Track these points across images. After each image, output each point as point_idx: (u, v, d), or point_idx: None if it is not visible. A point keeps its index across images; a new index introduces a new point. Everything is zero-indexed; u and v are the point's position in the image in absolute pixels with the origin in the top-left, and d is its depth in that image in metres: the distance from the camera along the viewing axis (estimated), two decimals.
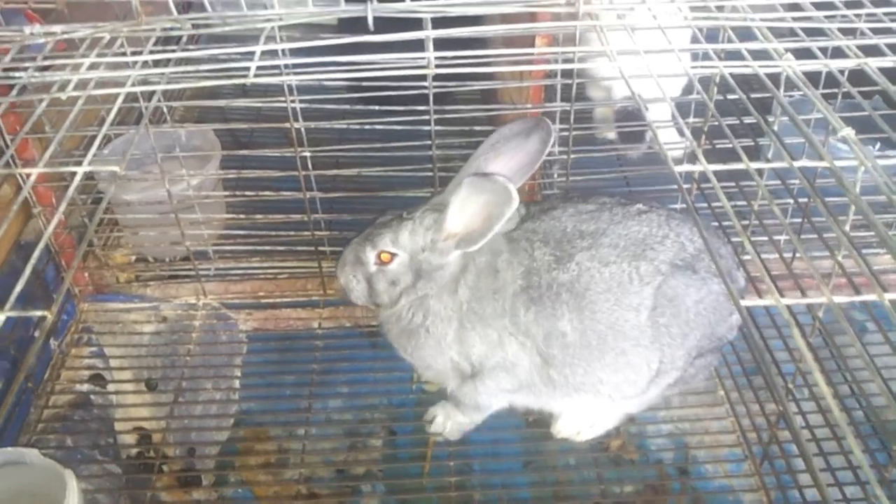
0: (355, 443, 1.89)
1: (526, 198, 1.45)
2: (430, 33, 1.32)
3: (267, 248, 2.23)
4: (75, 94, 1.24)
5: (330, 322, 2.20)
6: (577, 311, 1.53)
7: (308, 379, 2.01)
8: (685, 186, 2.02)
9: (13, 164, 1.81)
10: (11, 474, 1.40)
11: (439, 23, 1.36)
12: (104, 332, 2.12)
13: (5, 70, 1.31)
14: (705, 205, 2.01)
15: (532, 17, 1.60)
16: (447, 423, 1.85)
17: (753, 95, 1.28)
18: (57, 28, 1.39)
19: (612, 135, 2.64)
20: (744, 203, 1.84)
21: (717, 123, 1.31)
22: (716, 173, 1.05)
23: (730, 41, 1.36)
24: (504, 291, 1.56)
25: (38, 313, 0.95)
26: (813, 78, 1.24)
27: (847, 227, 1.14)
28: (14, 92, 1.31)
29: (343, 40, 1.33)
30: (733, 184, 1.88)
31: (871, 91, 1.32)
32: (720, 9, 1.43)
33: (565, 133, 1.97)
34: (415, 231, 1.56)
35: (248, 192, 2.19)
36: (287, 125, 1.93)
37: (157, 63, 1.34)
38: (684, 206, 2.03)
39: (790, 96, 1.97)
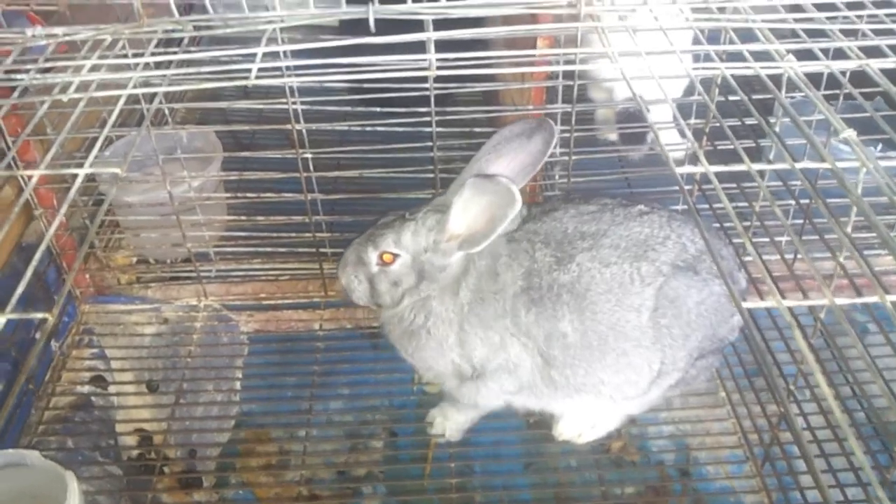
0: (356, 444, 1.89)
1: (527, 199, 1.45)
2: (431, 35, 1.32)
3: (268, 249, 2.23)
4: (77, 96, 1.24)
5: (331, 323, 2.20)
6: (577, 312, 1.53)
7: (309, 380, 2.01)
8: (686, 188, 2.03)
9: (15, 165, 1.81)
10: (12, 476, 1.40)
11: (441, 24, 1.36)
12: (105, 334, 2.12)
13: (7, 72, 1.31)
14: (706, 206, 2.01)
15: (533, 19, 1.60)
16: (446, 423, 1.85)
17: (755, 97, 1.28)
18: (58, 30, 1.39)
19: (613, 136, 2.64)
20: (745, 204, 1.84)
21: (718, 125, 1.31)
22: (717, 174, 1.05)
23: (731, 42, 1.36)
24: (504, 293, 1.56)
25: (39, 315, 0.95)
26: (814, 79, 1.23)
27: (849, 229, 1.14)
28: (16, 94, 1.32)
29: (344, 42, 1.33)
30: (734, 185, 1.88)
31: (873, 92, 1.32)
32: (722, 10, 1.43)
33: (567, 134, 1.97)
34: (417, 232, 1.56)
35: (249, 194, 2.19)
36: (288, 127, 1.93)
37: (158, 65, 1.34)
38: (686, 207, 2.03)
39: (792, 97, 1.97)
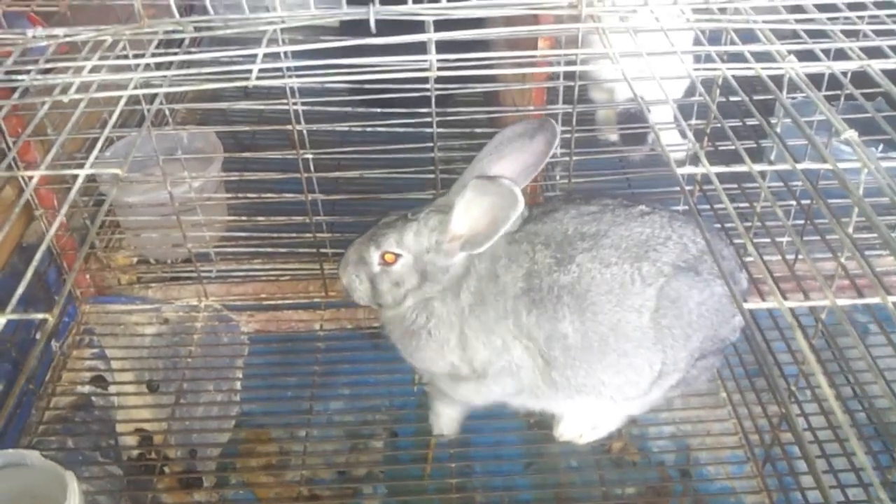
0: (357, 444, 1.89)
1: (528, 200, 1.45)
2: (432, 36, 1.32)
3: (269, 249, 2.23)
4: (77, 96, 1.24)
5: (331, 324, 2.20)
6: (578, 313, 1.53)
7: (309, 380, 2.01)
8: (687, 188, 2.03)
9: (15, 166, 1.81)
10: (12, 476, 1.40)
11: (441, 25, 1.36)
12: (106, 334, 2.12)
13: (8, 73, 1.31)
14: (707, 206, 2.01)
15: (534, 20, 1.60)
16: (439, 420, 1.85)
17: (756, 97, 1.28)
18: (59, 31, 1.39)
19: (614, 137, 2.65)
20: (746, 205, 1.84)
21: (719, 125, 1.31)
22: (718, 175, 1.05)
23: (732, 43, 1.36)
24: (505, 295, 1.56)
25: (40, 316, 0.95)
26: (815, 80, 1.23)
27: (850, 229, 1.14)
28: (16, 95, 1.32)
29: (345, 43, 1.33)
30: (735, 185, 1.88)
31: (874, 93, 1.32)
32: (723, 11, 1.43)
33: (567, 135, 1.97)
34: (419, 232, 1.55)
35: (249, 194, 2.19)
36: (289, 127, 1.93)
37: (159, 66, 1.34)
38: (687, 207, 2.03)
39: (793, 98, 1.97)
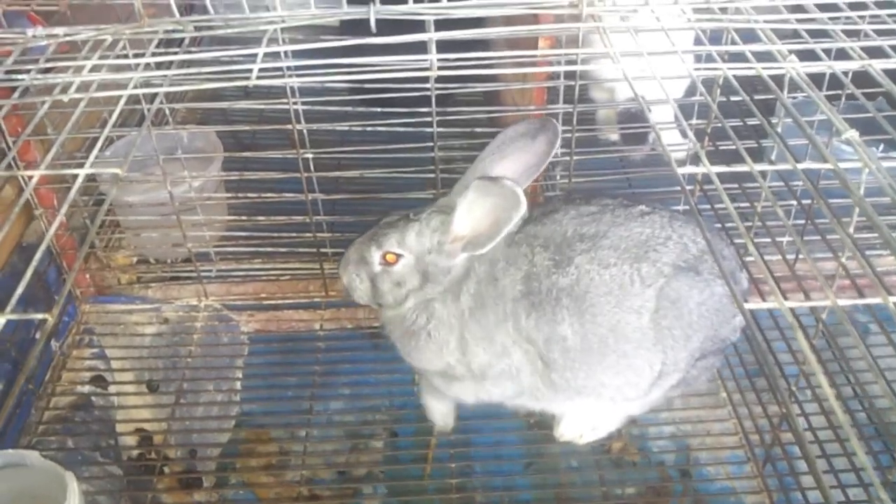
0: (357, 444, 1.89)
1: (528, 199, 1.45)
2: (432, 35, 1.32)
3: (269, 249, 2.23)
4: (77, 96, 1.24)
5: (332, 323, 2.20)
6: (577, 315, 1.52)
7: (310, 380, 2.01)
8: (688, 188, 2.03)
9: (15, 166, 1.81)
10: (12, 476, 1.40)
11: (442, 25, 1.36)
12: (105, 334, 2.12)
13: (8, 72, 1.31)
14: (708, 206, 2.01)
15: (535, 19, 1.60)
16: (433, 415, 1.85)
17: (757, 97, 1.28)
18: (59, 30, 1.39)
19: (614, 136, 2.64)
20: (747, 205, 1.84)
21: (720, 125, 1.31)
22: (719, 175, 1.05)
23: (733, 43, 1.36)
24: (504, 298, 1.56)
25: (39, 316, 0.94)
26: (816, 79, 1.23)
27: (851, 229, 1.14)
28: (16, 94, 1.32)
29: (345, 42, 1.33)
30: (736, 185, 1.88)
31: (875, 92, 1.32)
32: (723, 10, 1.42)
33: (568, 135, 1.96)
34: (421, 233, 1.55)
35: (249, 194, 2.19)
36: (289, 127, 1.93)
37: (159, 65, 1.34)
38: (687, 207, 2.02)
39: (793, 98, 1.97)
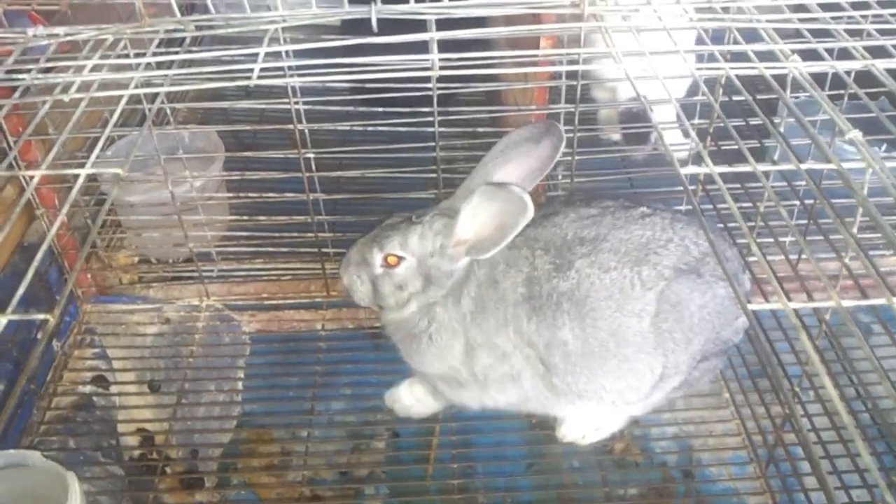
0: (358, 444, 1.88)
1: (532, 199, 1.44)
2: (434, 35, 1.32)
3: (270, 249, 2.23)
4: (78, 95, 1.23)
5: (333, 324, 2.19)
6: (578, 320, 1.51)
7: (311, 380, 2.01)
8: (690, 188, 2.02)
9: (16, 166, 1.81)
10: (13, 477, 1.40)
11: (443, 24, 1.36)
12: (107, 334, 2.12)
13: (8, 72, 1.31)
14: (710, 206, 2.00)
15: (536, 19, 1.60)
16: (414, 406, 1.85)
17: (759, 97, 1.27)
18: (60, 30, 1.39)
19: (616, 136, 2.64)
20: (749, 205, 1.83)
21: (722, 125, 1.31)
22: (721, 175, 1.04)
23: (735, 42, 1.36)
24: (505, 302, 1.55)
25: (40, 317, 0.94)
26: (819, 79, 1.23)
27: (854, 229, 1.13)
28: (17, 94, 1.32)
29: (347, 42, 1.32)
30: (738, 185, 1.87)
31: (878, 92, 1.31)
32: (726, 10, 1.42)
33: (570, 134, 1.96)
34: (424, 236, 1.55)
35: (251, 194, 2.18)
36: (290, 127, 1.93)
37: (160, 65, 1.34)
38: (689, 207, 2.02)
39: (796, 97, 1.96)
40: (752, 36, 1.34)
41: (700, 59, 1.74)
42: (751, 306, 0.88)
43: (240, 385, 2.05)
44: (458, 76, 1.35)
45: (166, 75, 1.28)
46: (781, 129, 1.58)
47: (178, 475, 1.80)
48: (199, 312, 2.20)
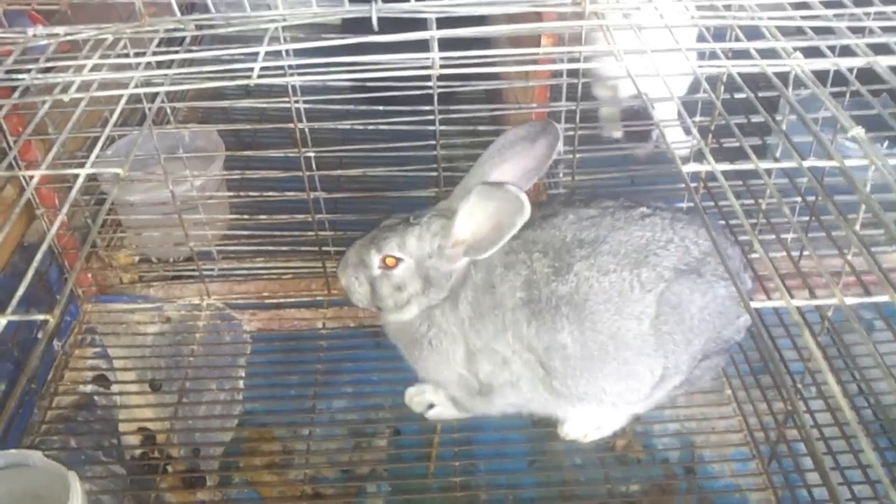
0: (360, 443, 1.89)
1: (530, 198, 1.44)
2: (434, 33, 1.31)
3: (271, 248, 2.23)
4: (78, 95, 1.23)
5: (334, 322, 2.19)
6: (577, 323, 1.51)
7: (312, 379, 2.01)
8: (692, 185, 2.02)
9: (16, 165, 1.81)
10: (15, 477, 1.40)
11: (444, 23, 1.36)
12: (108, 333, 2.12)
13: (8, 72, 1.31)
14: (712, 203, 2.00)
15: (538, 17, 1.60)
16: (443, 414, 1.85)
17: (761, 94, 1.27)
18: (60, 29, 1.39)
19: (618, 134, 2.64)
20: (751, 202, 1.83)
21: (724, 122, 1.30)
22: (723, 172, 1.04)
23: (737, 40, 1.35)
24: (503, 307, 1.55)
25: (40, 317, 0.94)
26: (821, 76, 1.22)
27: (857, 226, 1.13)
28: (17, 93, 1.31)
29: (347, 41, 1.32)
30: (740, 182, 1.87)
31: (880, 89, 1.31)
32: (727, 7, 1.42)
33: (571, 132, 1.96)
34: (422, 237, 1.54)
35: (251, 193, 2.18)
36: (291, 126, 1.93)
37: (160, 64, 1.34)
38: (691, 204, 2.02)
39: (798, 95, 1.96)
40: (753, 33, 1.34)
41: (701, 56, 1.74)
42: (753, 304, 0.88)
43: (241, 384, 2.05)
44: (458, 74, 1.34)
45: (166, 74, 1.28)
46: (783, 127, 1.58)
47: (180, 474, 1.80)
48: (199, 311, 2.20)
